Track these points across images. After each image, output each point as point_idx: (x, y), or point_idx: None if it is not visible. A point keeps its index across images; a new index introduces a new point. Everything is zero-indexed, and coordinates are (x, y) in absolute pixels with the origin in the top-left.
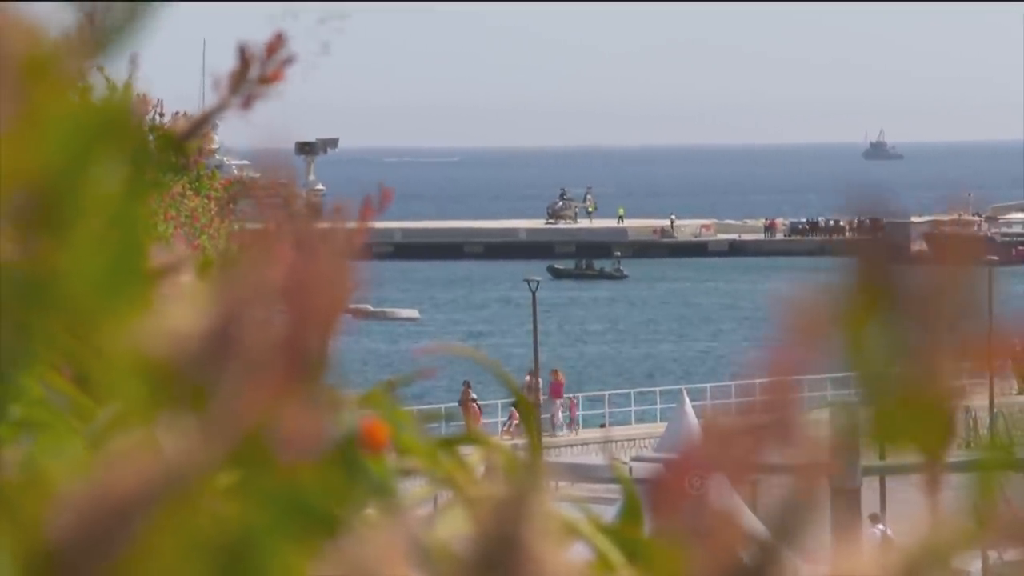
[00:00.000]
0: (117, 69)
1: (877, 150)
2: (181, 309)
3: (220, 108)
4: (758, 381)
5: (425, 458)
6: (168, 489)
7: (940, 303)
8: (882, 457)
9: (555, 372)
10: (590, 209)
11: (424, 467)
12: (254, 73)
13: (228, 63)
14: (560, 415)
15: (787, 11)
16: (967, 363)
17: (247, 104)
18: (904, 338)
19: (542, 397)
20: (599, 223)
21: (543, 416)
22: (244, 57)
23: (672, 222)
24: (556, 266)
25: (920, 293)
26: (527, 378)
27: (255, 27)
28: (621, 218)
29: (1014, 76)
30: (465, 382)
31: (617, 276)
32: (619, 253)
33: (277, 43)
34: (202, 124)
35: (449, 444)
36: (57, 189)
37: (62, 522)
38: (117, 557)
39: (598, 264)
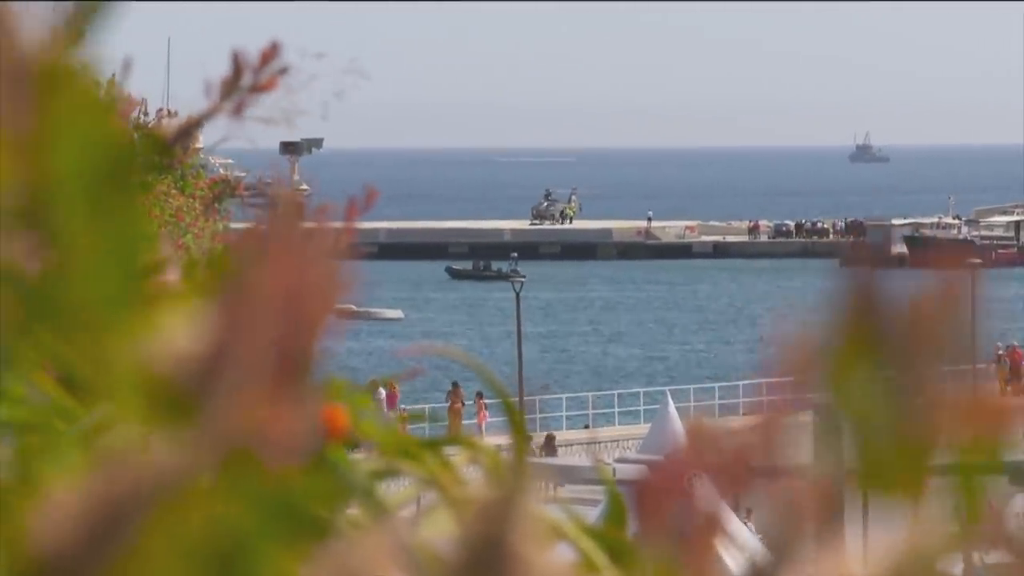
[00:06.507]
0: (102, 68)
1: (863, 153)
2: (175, 315)
3: (210, 113)
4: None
5: (386, 443)
6: (160, 493)
7: (929, 339)
8: (864, 501)
9: (390, 383)
10: (572, 212)
11: (409, 468)
12: (247, 81)
13: (194, 59)
14: None
15: (774, 12)
16: (957, 402)
17: (238, 111)
18: (893, 380)
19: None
20: (582, 224)
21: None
22: (237, 64)
23: (649, 220)
24: (454, 267)
25: (908, 329)
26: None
27: (222, 28)
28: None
29: (1003, 79)
30: (453, 383)
31: (514, 276)
32: (515, 254)
33: (271, 52)
34: (191, 129)
35: (434, 445)
36: (57, 193)
37: (54, 526)
38: (109, 561)
39: (496, 265)
